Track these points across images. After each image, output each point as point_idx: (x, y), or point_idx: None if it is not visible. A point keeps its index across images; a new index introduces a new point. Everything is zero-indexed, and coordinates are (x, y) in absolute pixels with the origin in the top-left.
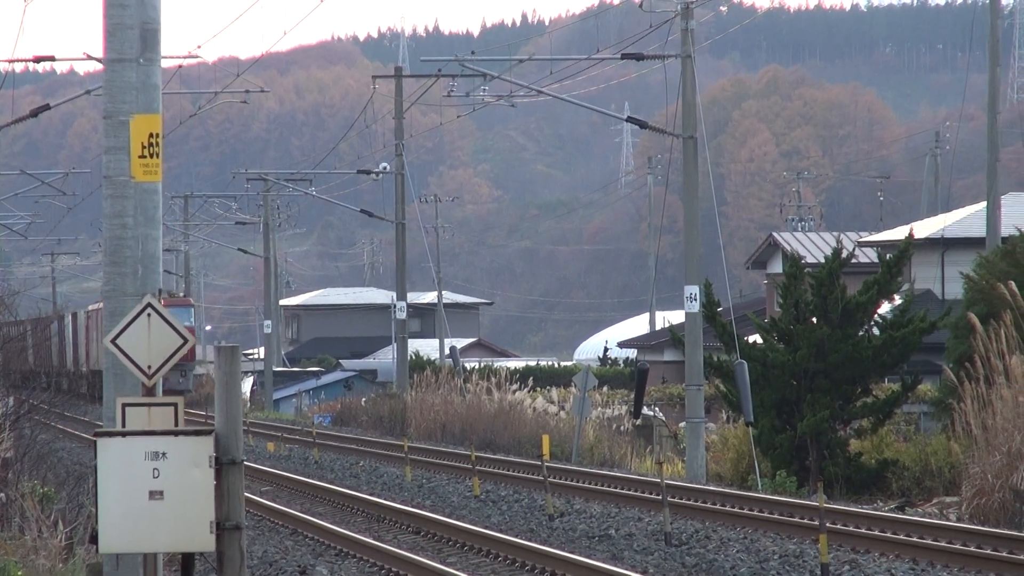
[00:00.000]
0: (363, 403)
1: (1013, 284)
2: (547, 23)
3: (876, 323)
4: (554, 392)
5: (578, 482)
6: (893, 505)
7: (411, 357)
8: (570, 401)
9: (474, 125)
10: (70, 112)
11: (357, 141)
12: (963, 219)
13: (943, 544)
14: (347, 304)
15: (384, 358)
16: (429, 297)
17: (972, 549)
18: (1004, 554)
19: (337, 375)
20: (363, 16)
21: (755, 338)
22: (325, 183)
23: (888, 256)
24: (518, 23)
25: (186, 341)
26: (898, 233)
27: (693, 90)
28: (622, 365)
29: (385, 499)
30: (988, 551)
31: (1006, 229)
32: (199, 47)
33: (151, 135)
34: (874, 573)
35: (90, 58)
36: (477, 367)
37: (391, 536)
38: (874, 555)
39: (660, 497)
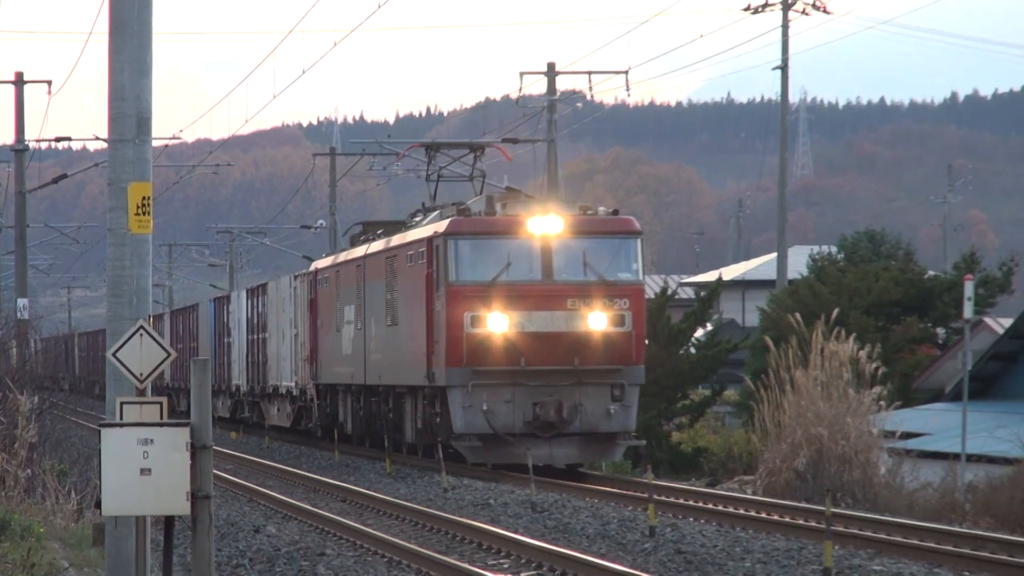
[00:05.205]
0: None
1: (797, 315)
2: (445, 114)
3: (693, 344)
4: None
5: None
6: (705, 481)
7: None
8: None
9: (390, 191)
10: (83, 180)
11: (301, 203)
12: (759, 265)
13: (742, 512)
14: None
15: None
16: None
17: (775, 518)
18: (795, 520)
19: None
20: (305, 107)
21: None
22: (276, 235)
23: (702, 293)
24: (424, 114)
25: (169, 355)
26: (710, 276)
27: (555, 166)
28: None
29: (320, 475)
30: (788, 519)
31: (791, 274)
32: (181, 131)
33: (144, 198)
34: (690, 534)
35: (98, 139)
36: None
37: (324, 503)
38: (689, 519)
39: (529, 476)
